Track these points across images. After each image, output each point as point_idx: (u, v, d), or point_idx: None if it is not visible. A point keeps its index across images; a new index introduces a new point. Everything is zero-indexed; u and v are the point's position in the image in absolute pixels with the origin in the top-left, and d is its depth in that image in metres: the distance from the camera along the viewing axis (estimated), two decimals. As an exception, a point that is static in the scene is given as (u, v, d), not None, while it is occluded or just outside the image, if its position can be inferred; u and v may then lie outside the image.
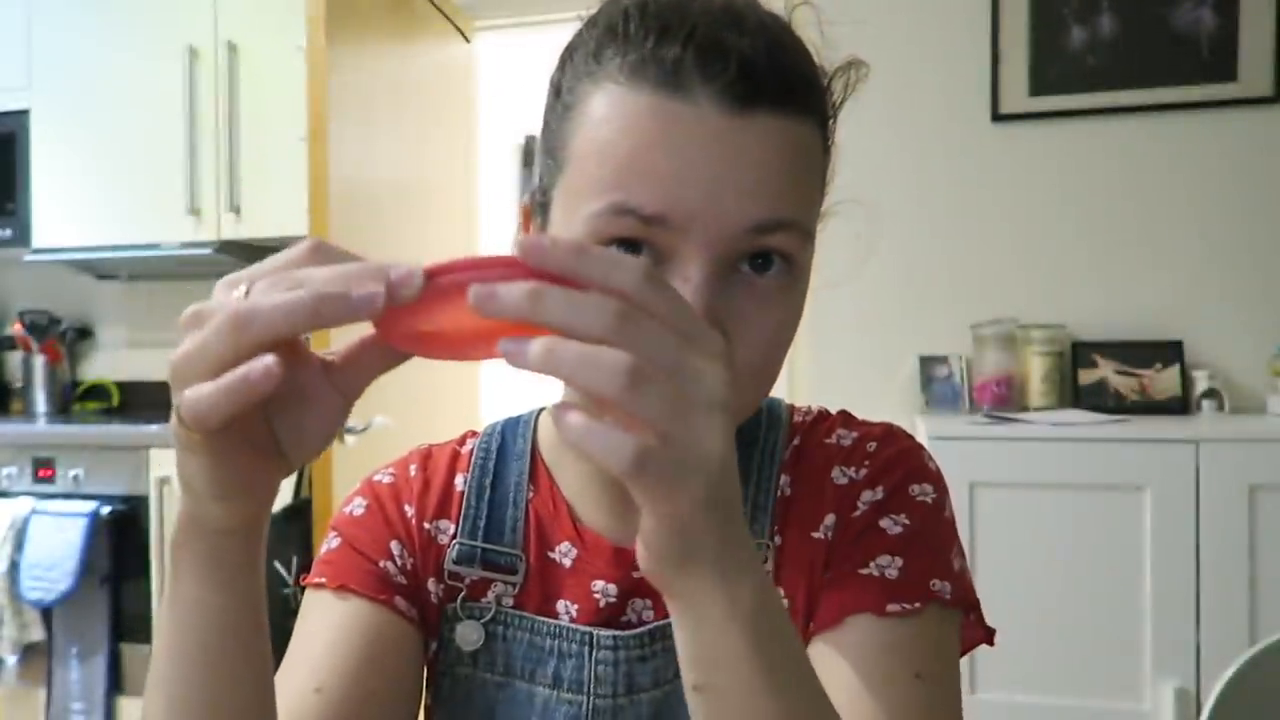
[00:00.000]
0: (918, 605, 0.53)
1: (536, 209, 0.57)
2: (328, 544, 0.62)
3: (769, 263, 0.49)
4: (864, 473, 0.59)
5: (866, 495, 0.58)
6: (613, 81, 0.49)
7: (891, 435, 0.62)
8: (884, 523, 0.57)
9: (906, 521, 0.57)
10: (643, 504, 0.36)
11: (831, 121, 0.55)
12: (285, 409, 0.40)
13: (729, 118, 0.47)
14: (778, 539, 0.59)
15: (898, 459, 0.60)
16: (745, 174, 0.47)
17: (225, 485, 0.39)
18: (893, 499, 0.58)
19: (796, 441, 0.63)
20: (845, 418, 0.65)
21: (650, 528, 0.37)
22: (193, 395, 0.35)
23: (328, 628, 0.57)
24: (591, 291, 0.33)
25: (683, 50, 0.47)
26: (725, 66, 0.47)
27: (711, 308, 0.47)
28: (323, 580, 0.59)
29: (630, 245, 0.48)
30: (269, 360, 0.34)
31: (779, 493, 0.60)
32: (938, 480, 0.61)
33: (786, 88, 0.48)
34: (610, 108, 0.48)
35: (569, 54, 0.53)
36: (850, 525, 0.58)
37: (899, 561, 0.55)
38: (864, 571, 0.55)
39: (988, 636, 0.61)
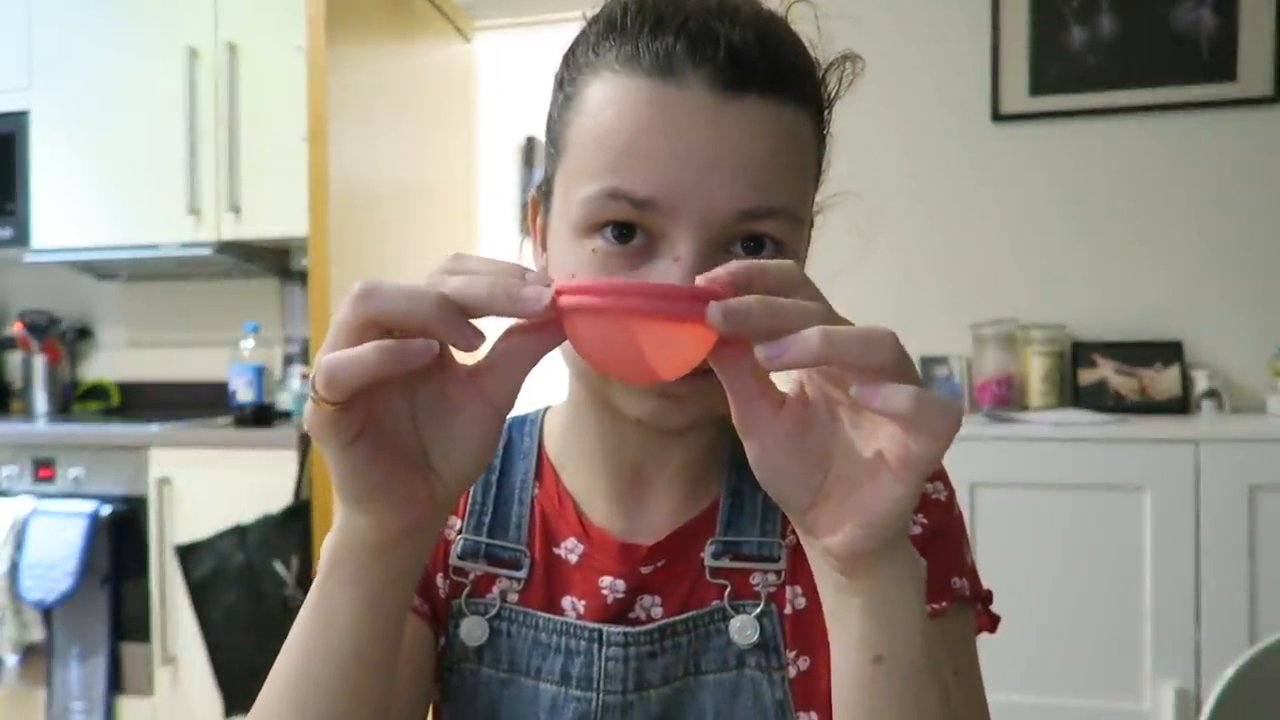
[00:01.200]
0: (944, 604, 0.56)
1: (542, 199, 0.58)
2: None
3: (761, 246, 0.50)
4: None
5: None
6: (609, 70, 0.50)
7: None
8: None
9: (925, 521, 0.59)
10: (905, 470, 0.38)
11: (826, 113, 0.56)
12: (433, 419, 0.41)
13: (719, 102, 0.48)
14: (792, 538, 0.59)
15: None
16: (735, 157, 0.48)
17: (370, 491, 0.40)
18: None
19: None
20: None
21: (897, 496, 0.38)
22: (335, 356, 0.36)
23: None
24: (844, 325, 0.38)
25: (675, 39, 0.49)
26: (715, 52, 0.48)
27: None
28: None
29: (623, 228, 0.49)
30: (427, 341, 0.37)
31: None
32: (945, 478, 0.62)
33: (777, 74, 0.49)
34: (605, 94, 0.50)
35: (571, 49, 0.55)
36: None
37: (923, 562, 0.55)
38: None
39: (991, 624, 0.63)
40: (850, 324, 0.38)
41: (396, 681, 0.54)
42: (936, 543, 0.58)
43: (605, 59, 0.51)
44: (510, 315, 0.38)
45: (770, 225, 0.50)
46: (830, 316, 0.38)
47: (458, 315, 0.38)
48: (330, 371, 0.36)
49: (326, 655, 0.45)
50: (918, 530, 0.58)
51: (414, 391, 0.41)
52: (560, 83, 0.55)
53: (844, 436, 0.40)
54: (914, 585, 0.42)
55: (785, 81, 0.50)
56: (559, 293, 0.38)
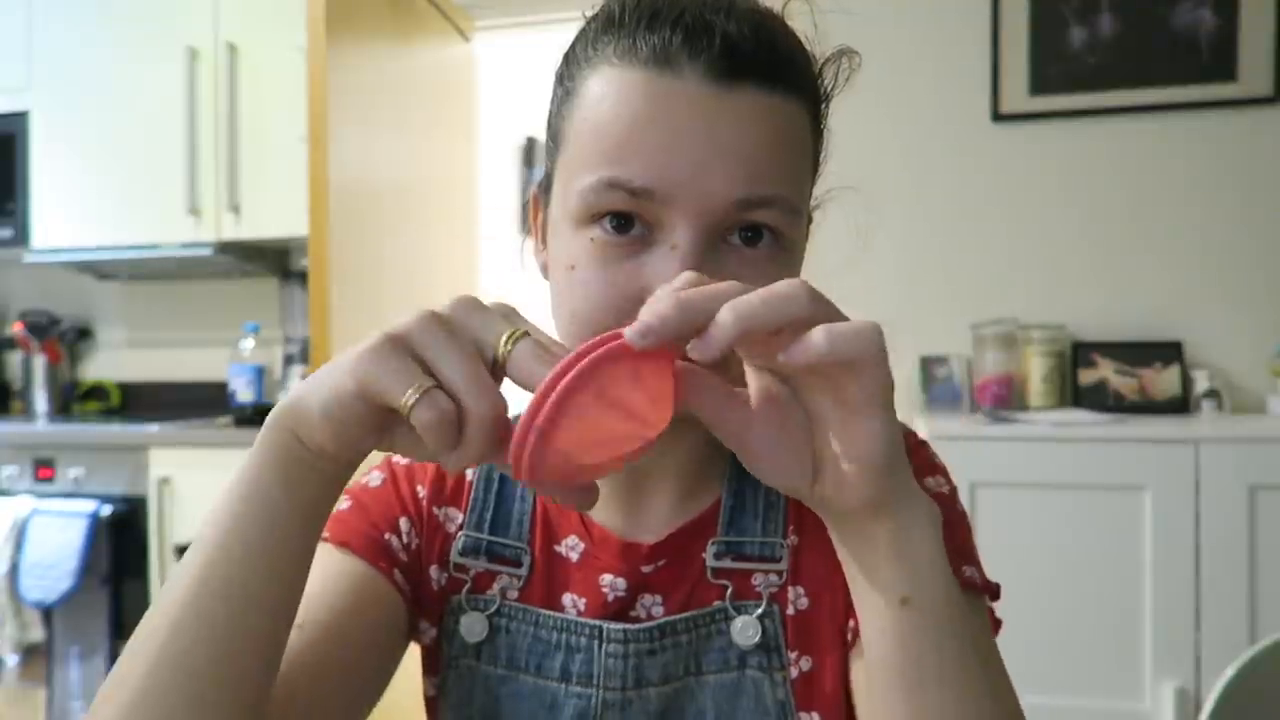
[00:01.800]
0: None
1: (542, 195, 0.59)
2: (339, 505, 0.62)
3: (759, 235, 0.51)
4: None
5: None
6: (607, 64, 0.51)
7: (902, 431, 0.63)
8: None
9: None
10: (869, 405, 0.38)
11: (824, 106, 0.57)
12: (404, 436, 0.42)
13: (714, 92, 0.49)
14: (794, 538, 0.59)
15: (910, 453, 0.60)
16: (731, 147, 0.49)
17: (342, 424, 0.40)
18: None
19: None
20: None
21: (875, 432, 0.39)
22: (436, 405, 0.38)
23: (321, 575, 0.57)
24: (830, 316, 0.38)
25: (672, 32, 0.50)
26: (711, 44, 0.49)
27: (698, 270, 0.48)
28: (327, 535, 0.59)
29: (621, 218, 0.50)
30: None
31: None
32: (945, 473, 0.63)
33: (772, 65, 0.50)
34: (603, 87, 0.51)
35: (571, 46, 0.56)
36: None
37: (936, 506, 0.56)
38: None
39: (994, 626, 0.62)
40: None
41: (352, 646, 0.55)
42: (945, 533, 0.57)
43: (603, 53, 0.52)
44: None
45: (767, 214, 0.50)
46: (741, 291, 0.37)
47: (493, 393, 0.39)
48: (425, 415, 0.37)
49: (241, 560, 0.42)
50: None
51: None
52: (560, 79, 0.56)
53: (811, 406, 0.41)
54: (930, 523, 0.43)
55: (780, 73, 0.51)
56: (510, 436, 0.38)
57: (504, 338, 0.39)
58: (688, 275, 0.41)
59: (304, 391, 0.41)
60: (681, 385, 0.40)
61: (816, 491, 0.42)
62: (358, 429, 0.40)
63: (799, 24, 0.57)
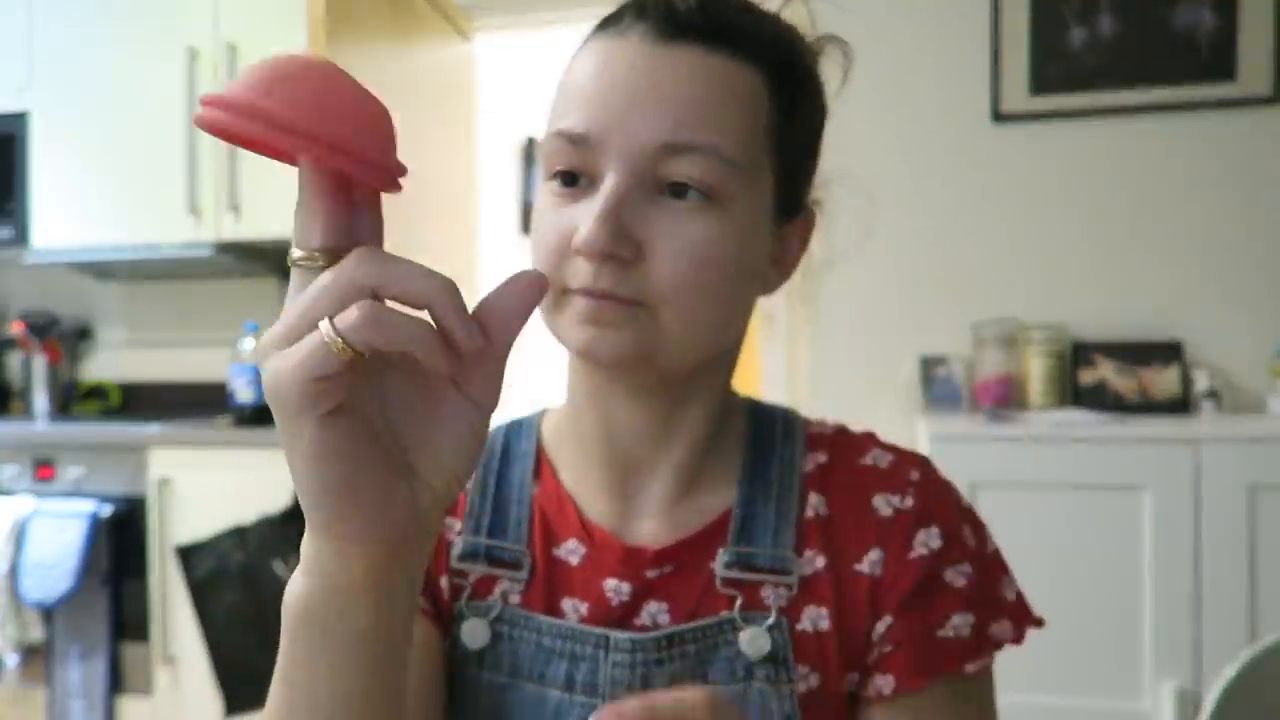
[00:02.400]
0: (988, 661, 0.58)
1: None
2: None
3: (686, 190, 0.52)
4: (909, 501, 0.59)
5: (922, 536, 0.59)
6: (584, 46, 0.57)
7: (929, 466, 0.63)
8: (949, 574, 0.58)
9: (968, 570, 0.59)
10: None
11: (798, 84, 0.57)
12: (411, 412, 0.36)
13: (652, 49, 0.53)
14: (820, 560, 0.59)
15: (941, 495, 0.61)
16: (660, 94, 0.51)
17: (341, 488, 0.34)
18: (953, 548, 0.59)
19: (823, 458, 0.62)
20: (874, 438, 0.65)
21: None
22: (389, 315, 0.32)
23: None
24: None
25: (629, 9, 0.55)
26: (656, 9, 0.54)
27: (619, 214, 0.50)
28: None
29: (568, 177, 0.54)
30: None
31: (812, 511, 0.60)
32: (972, 513, 0.63)
33: (715, 29, 0.53)
34: (573, 61, 0.56)
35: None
36: (908, 569, 0.58)
37: (970, 619, 0.58)
38: (941, 634, 0.57)
39: (1018, 637, 0.62)
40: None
41: (420, 702, 0.56)
42: (981, 594, 0.59)
43: (584, 43, 0.57)
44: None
45: (694, 163, 0.51)
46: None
47: (464, 310, 0.34)
48: (374, 320, 0.31)
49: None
50: (962, 583, 0.58)
51: (386, 380, 0.36)
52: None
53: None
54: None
55: (724, 36, 0.53)
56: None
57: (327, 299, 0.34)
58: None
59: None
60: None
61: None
62: (353, 481, 0.34)
63: (798, 24, 0.59)
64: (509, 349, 0.36)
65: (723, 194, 0.52)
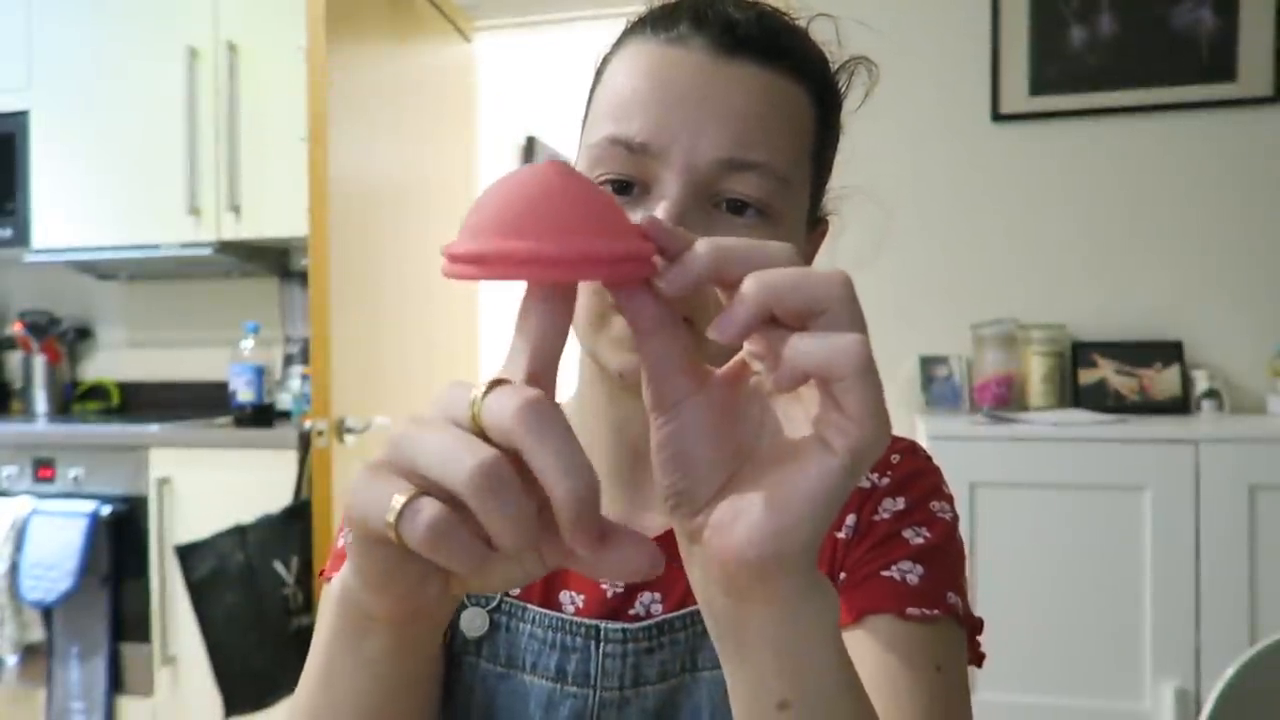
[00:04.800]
0: (936, 613, 0.55)
1: None
2: (345, 536, 0.62)
3: (743, 208, 0.53)
4: (886, 480, 0.61)
5: (888, 503, 0.60)
6: (631, 44, 0.57)
7: (914, 451, 0.64)
8: (906, 532, 0.58)
9: (928, 534, 0.59)
10: (839, 424, 0.31)
11: (836, 106, 0.60)
12: None
13: (713, 62, 0.53)
14: None
15: (920, 474, 0.62)
16: (723, 110, 0.52)
17: (382, 578, 0.34)
18: (916, 511, 0.60)
19: None
20: None
21: (829, 468, 0.31)
22: (457, 538, 0.30)
23: None
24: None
25: (684, 16, 0.55)
26: (715, 22, 0.54)
27: (680, 222, 0.50)
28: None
29: (621, 185, 0.53)
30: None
31: None
32: (953, 502, 0.63)
33: (770, 45, 0.54)
34: (622, 61, 0.56)
35: (607, 49, 0.60)
36: (871, 529, 0.59)
37: (919, 570, 0.57)
38: (885, 573, 0.56)
39: (978, 659, 0.62)
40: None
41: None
42: (938, 557, 0.58)
43: (629, 39, 0.57)
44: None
45: (752, 181, 0.52)
46: (779, 260, 0.32)
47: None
48: (432, 539, 0.30)
49: (335, 713, 0.43)
50: (920, 541, 0.58)
51: None
52: (595, 71, 0.61)
53: (774, 417, 0.34)
54: (828, 615, 0.35)
55: (779, 53, 0.54)
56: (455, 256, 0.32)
57: (477, 395, 0.31)
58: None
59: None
60: (643, 316, 0.34)
61: (702, 518, 0.34)
62: (391, 582, 0.34)
63: (818, 35, 0.60)
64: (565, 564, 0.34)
65: (775, 211, 0.54)
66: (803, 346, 0.31)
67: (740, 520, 0.32)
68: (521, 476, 0.30)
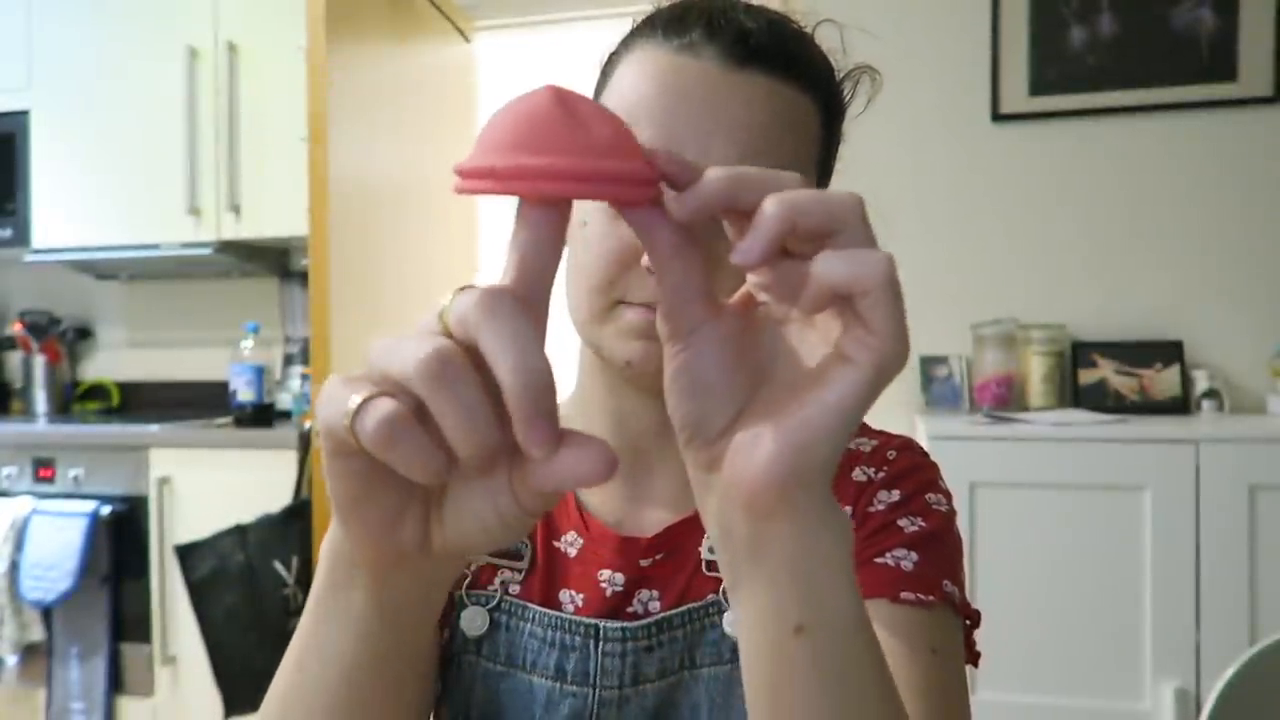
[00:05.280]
0: (931, 599, 0.55)
1: None
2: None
3: None
4: (882, 475, 0.61)
5: (884, 495, 0.60)
6: (638, 49, 0.57)
7: (911, 447, 0.64)
8: (901, 521, 0.58)
9: (923, 524, 0.59)
10: (861, 341, 0.31)
11: (834, 111, 0.60)
12: (455, 490, 0.34)
13: (725, 72, 0.53)
14: None
15: (916, 469, 0.62)
16: (735, 120, 0.53)
17: (351, 501, 0.34)
18: (911, 502, 0.60)
19: None
20: (864, 426, 0.65)
21: (853, 381, 0.31)
22: (407, 431, 0.30)
23: None
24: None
25: (696, 23, 0.55)
26: (727, 32, 0.54)
27: (691, 242, 0.50)
28: None
29: None
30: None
31: None
32: (950, 498, 0.63)
33: (780, 56, 0.55)
34: (630, 66, 0.56)
35: (614, 48, 0.60)
36: (867, 520, 0.59)
37: (914, 556, 0.57)
38: (879, 560, 0.56)
39: (973, 658, 0.62)
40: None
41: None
42: (934, 545, 0.58)
43: (637, 43, 0.57)
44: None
45: None
46: (794, 185, 0.33)
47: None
48: (387, 435, 0.29)
49: (317, 676, 0.41)
50: (915, 529, 0.58)
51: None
52: (601, 72, 0.61)
53: (787, 345, 0.34)
54: (842, 537, 0.35)
55: (788, 64, 0.55)
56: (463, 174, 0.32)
57: (447, 302, 0.31)
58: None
59: None
60: (660, 240, 0.33)
61: (719, 446, 0.34)
62: (361, 504, 0.34)
63: (827, 44, 0.61)
64: (554, 499, 0.33)
65: None
66: (830, 263, 0.31)
67: (763, 439, 0.32)
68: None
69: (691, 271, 0.34)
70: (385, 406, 0.29)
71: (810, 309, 0.32)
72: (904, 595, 0.54)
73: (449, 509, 0.34)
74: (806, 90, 0.56)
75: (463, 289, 0.31)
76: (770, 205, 0.31)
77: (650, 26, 0.57)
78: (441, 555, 0.35)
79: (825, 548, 0.34)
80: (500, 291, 0.30)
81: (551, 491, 0.32)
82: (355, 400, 0.30)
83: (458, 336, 0.30)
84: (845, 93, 0.62)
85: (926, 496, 0.61)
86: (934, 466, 0.64)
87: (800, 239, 0.32)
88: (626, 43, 0.58)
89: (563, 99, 0.33)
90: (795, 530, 0.34)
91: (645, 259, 0.52)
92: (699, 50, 0.54)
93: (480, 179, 0.31)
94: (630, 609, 0.59)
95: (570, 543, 0.62)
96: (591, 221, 0.55)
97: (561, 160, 0.31)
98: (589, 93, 0.61)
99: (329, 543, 0.38)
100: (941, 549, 0.59)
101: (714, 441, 0.35)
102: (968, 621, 0.60)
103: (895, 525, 0.58)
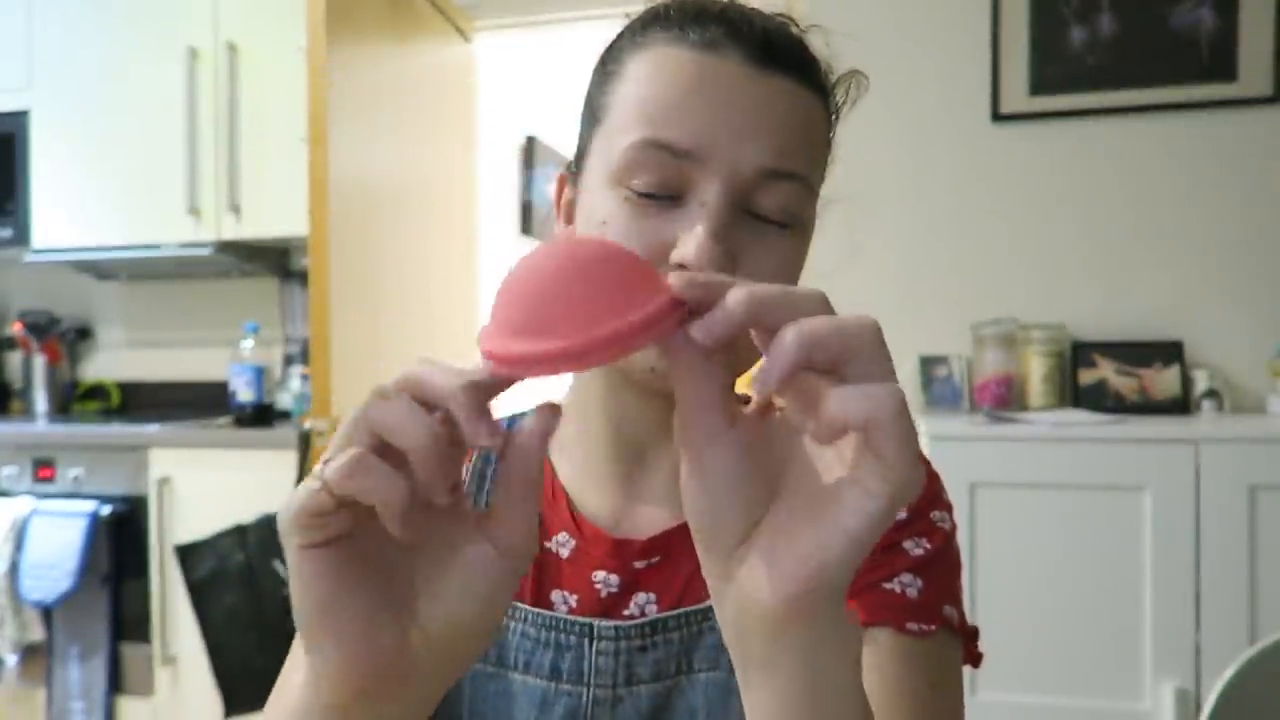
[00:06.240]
0: (933, 628, 0.56)
1: (570, 176, 0.61)
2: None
3: (778, 218, 0.54)
4: None
5: None
6: (655, 46, 0.56)
7: None
8: (907, 543, 0.59)
9: (928, 545, 0.59)
10: (864, 487, 0.32)
11: (834, 116, 0.61)
12: (420, 560, 0.35)
13: (753, 74, 0.54)
14: None
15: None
16: (765, 122, 0.53)
17: (320, 611, 0.34)
18: (917, 521, 0.60)
19: None
20: None
21: (870, 510, 0.32)
22: (366, 463, 0.32)
23: None
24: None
25: (715, 23, 0.55)
26: (751, 34, 0.54)
27: (722, 232, 0.51)
28: None
29: (655, 189, 0.53)
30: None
31: None
32: (951, 510, 0.63)
33: (800, 60, 0.56)
34: (652, 63, 0.55)
35: (617, 37, 0.59)
36: None
37: (919, 583, 0.57)
38: (887, 585, 0.57)
39: (975, 660, 0.63)
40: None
41: None
42: (936, 568, 0.59)
43: (651, 39, 0.56)
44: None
45: (787, 190, 0.53)
46: (813, 307, 0.33)
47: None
48: (349, 472, 0.32)
49: None
50: (919, 552, 0.59)
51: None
52: (603, 63, 0.60)
53: (802, 453, 0.35)
54: (849, 646, 0.36)
55: (807, 68, 0.56)
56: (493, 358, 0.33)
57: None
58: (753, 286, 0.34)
59: None
60: (680, 360, 0.34)
61: (736, 558, 0.35)
62: (333, 605, 0.34)
63: (817, 45, 0.61)
64: (533, 489, 0.35)
65: (802, 222, 0.56)
66: (843, 399, 0.31)
67: (780, 560, 0.33)
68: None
69: (711, 382, 0.34)
70: (349, 450, 0.32)
71: (825, 439, 0.32)
72: (909, 626, 0.55)
73: (428, 602, 0.35)
74: (818, 93, 0.57)
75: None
76: (789, 337, 0.31)
77: (662, 22, 0.56)
78: (425, 657, 0.35)
79: (835, 659, 0.35)
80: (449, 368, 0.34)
81: (525, 484, 0.35)
82: (320, 467, 0.32)
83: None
84: (840, 97, 0.62)
85: (931, 515, 0.61)
86: (936, 478, 0.64)
87: (818, 364, 0.32)
88: (635, 38, 0.57)
89: (568, 255, 0.33)
90: (807, 645, 0.34)
91: (674, 255, 0.52)
92: (723, 50, 0.54)
93: (503, 364, 0.33)
94: (627, 611, 0.59)
95: (562, 544, 0.61)
96: (612, 221, 0.54)
97: (577, 339, 0.32)
98: (585, 88, 0.61)
99: (284, 696, 0.37)
100: (944, 571, 0.60)
101: (730, 553, 0.35)
102: (966, 638, 0.61)
103: (900, 547, 0.59)
